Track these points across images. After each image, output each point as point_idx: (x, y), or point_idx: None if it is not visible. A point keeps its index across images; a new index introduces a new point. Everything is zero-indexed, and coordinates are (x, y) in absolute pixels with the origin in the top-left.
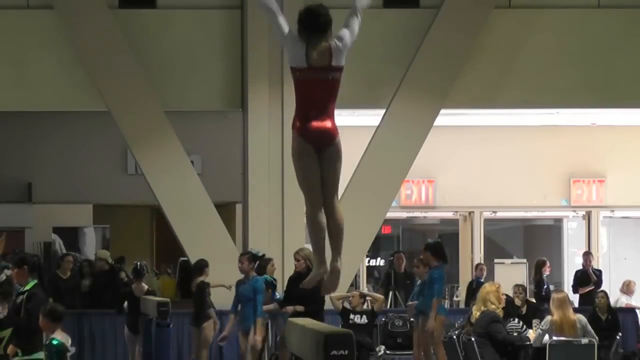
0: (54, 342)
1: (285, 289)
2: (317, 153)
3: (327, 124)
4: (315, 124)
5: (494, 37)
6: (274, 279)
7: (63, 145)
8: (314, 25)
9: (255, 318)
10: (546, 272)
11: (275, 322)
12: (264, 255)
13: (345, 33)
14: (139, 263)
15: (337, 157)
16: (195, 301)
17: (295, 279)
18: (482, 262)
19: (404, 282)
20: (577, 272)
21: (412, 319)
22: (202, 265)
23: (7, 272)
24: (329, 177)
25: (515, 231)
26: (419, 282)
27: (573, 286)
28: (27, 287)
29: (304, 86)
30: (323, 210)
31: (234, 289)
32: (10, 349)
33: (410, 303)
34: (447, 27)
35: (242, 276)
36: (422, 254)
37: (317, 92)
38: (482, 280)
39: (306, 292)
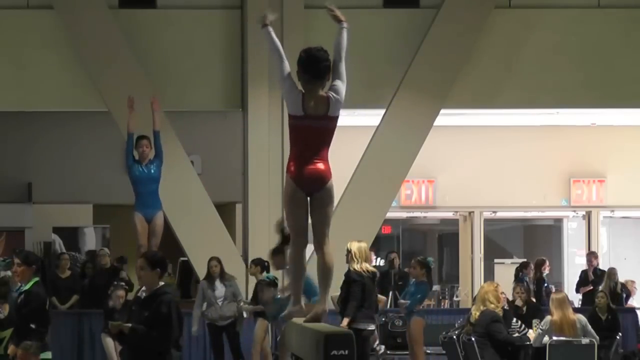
0: None
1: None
2: (308, 197)
3: (320, 168)
4: (308, 168)
5: (494, 37)
6: (276, 278)
7: (63, 145)
8: (314, 71)
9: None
10: (545, 271)
11: (275, 322)
12: None
13: (340, 86)
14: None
15: (328, 200)
16: None
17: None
18: (482, 262)
19: (396, 282)
20: (582, 272)
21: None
22: None
23: (8, 272)
24: (319, 220)
25: (515, 231)
26: (412, 281)
27: (576, 285)
28: (28, 286)
29: (299, 132)
30: (304, 254)
31: None
32: (11, 349)
33: (402, 301)
34: (447, 27)
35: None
36: (416, 264)
37: (312, 138)
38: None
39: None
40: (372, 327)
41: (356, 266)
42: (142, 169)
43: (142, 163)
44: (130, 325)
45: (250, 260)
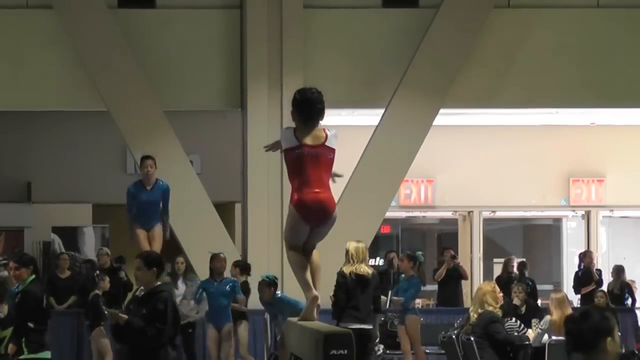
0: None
1: None
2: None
3: (325, 198)
4: (314, 199)
5: (494, 37)
6: (276, 277)
7: (62, 145)
8: (308, 113)
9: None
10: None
11: (275, 321)
12: None
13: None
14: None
15: (328, 230)
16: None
17: None
18: (481, 261)
19: (396, 282)
20: (577, 272)
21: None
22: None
23: (5, 272)
24: (315, 241)
25: (515, 231)
26: (402, 276)
27: (574, 286)
28: (25, 285)
29: (297, 161)
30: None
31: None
32: (11, 348)
33: (395, 298)
34: (447, 26)
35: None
36: (405, 257)
37: (311, 166)
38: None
39: None
40: (356, 326)
41: (344, 268)
42: (145, 195)
43: (146, 187)
44: (126, 317)
45: (247, 261)
